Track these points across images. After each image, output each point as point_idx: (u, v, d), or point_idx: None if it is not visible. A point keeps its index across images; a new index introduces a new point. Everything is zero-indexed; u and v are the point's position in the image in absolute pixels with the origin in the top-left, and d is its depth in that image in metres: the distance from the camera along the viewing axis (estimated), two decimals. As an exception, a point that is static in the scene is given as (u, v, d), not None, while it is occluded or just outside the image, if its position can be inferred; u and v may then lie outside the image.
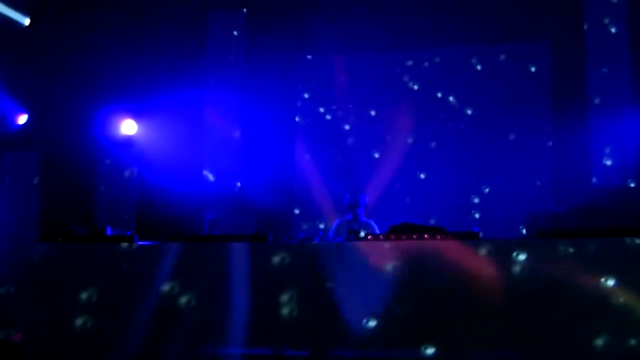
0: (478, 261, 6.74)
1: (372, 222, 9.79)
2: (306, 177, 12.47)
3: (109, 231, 7.79)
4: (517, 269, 6.65)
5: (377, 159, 12.29)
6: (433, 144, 12.21)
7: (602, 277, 6.49)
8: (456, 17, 11.66)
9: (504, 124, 11.94)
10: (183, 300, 7.19)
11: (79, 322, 7.39)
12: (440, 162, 12.08)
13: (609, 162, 10.95)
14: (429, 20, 11.75)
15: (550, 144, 11.69)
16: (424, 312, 6.80)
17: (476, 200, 11.87)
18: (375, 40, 12.21)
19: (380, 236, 7.11)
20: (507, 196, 11.65)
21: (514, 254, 6.66)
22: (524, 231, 10.04)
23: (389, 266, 6.86)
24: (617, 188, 10.68)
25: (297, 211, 12.42)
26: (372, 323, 6.79)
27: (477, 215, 11.71)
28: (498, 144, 11.94)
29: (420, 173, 12.13)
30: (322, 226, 11.66)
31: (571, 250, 6.62)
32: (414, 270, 6.86)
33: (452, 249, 6.83)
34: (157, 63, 11.61)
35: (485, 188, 11.87)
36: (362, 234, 7.65)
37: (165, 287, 7.26)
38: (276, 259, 7.09)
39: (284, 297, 7.01)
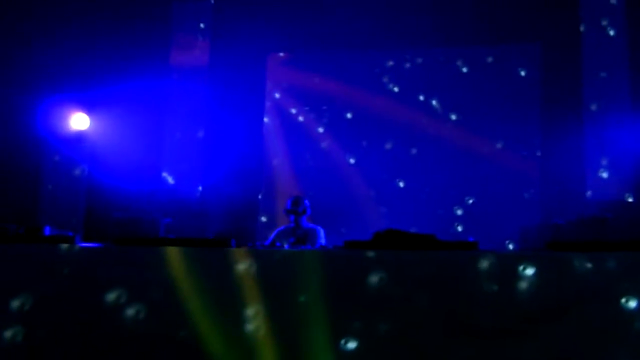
0: (477, 275, 5.75)
1: (319, 228, 9.01)
2: (274, 183, 11.75)
3: (47, 231, 6.74)
4: (523, 285, 5.68)
5: (353, 164, 11.51)
6: (413, 151, 11.49)
7: (622, 297, 5.53)
8: (441, 15, 11.00)
9: (491, 131, 11.24)
10: (130, 311, 6.15)
11: (7, 334, 6.33)
12: (420, 170, 11.38)
13: (605, 175, 10.19)
14: (412, 18, 11.06)
15: (539, 153, 11.00)
16: (412, 333, 5.79)
17: (459, 212, 11.17)
18: (354, 37, 11.47)
19: (364, 244, 6.09)
20: (492, 208, 10.92)
21: (520, 267, 5.69)
22: (510, 246, 9.67)
23: (373, 278, 5.84)
24: (615, 203, 9.87)
25: (263, 219, 11.60)
26: (352, 344, 5.78)
27: (459, 228, 10.99)
28: (483, 152, 11.22)
29: (399, 181, 11.43)
30: None
31: (588, 265, 5.68)
32: (402, 284, 5.87)
33: (446, 261, 5.85)
34: (114, 51, 10.78)
35: (468, 199, 11.17)
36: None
37: (111, 296, 6.20)
38: (240, 267, 6.08)
39: (249, 312, 6.00)
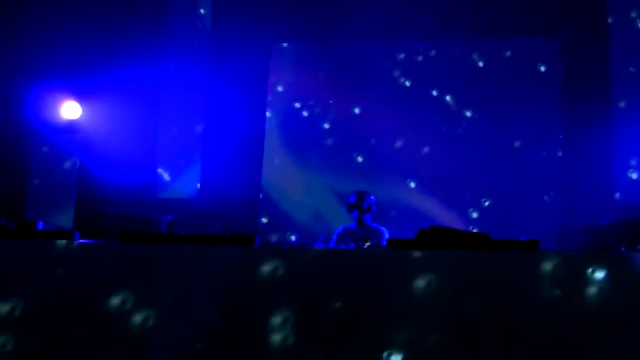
0: (539, 279, 5.02)
1: (383, 229, 8.14)
2: (277, 181, 11.07)
3: (40, 225, 5.97)
4: (593, 291, 4.95)
5: (361, 163, 10.91)
6: (426, 149, 10.88)
7: None
8: (456, 6, 10.48)
9: (508, 130, 10.68)
10: (138, 318, 5.36)
11: (-5, 343, 5.50)
12: (433, 170, 10.76)
13: (635, 176, 9.63)
14: (425, 9, 10.44)
15: (560, 153, 10.44)
16: (464, 346, 5.04)
17: (474, 215, 10.58)
18: (362, 28, 10.77)
19: (409, 243, 5.34)
20: (509, 211, 10.35)
21: (589, 270, 4.96)
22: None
23: (419, 283, 5.10)
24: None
25: (264, 220, 10.95)
26: (396, 358, 5.02)
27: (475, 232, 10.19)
28: (501, 151, 10.67)
29: (410, 181, 10.79)
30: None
31: (661, 269, 4.96)
32: (453, 289, 5.13)
33: (503, 263, 5.12)
34: (108, 37, 10.04)
35: (485, 201, 10.58)
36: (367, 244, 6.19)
37: (115, 301, 5.40)
38: (266, 269, 5.31)
39: (276, 320, 5.21)
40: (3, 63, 9.77)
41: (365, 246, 6.18)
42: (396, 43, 11.06)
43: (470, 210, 10.50)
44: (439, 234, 5.38)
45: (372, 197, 8.39)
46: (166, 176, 10.35)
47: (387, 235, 8.11)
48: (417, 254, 5.22)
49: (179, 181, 10.48)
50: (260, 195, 10.93)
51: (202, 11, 10.85)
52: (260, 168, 11.00)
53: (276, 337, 5.18)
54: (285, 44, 11.40)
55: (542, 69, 10.67)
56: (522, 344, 5.01)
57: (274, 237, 10.37)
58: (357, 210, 8.27)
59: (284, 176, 11.03)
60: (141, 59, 10.11)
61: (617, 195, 9.70)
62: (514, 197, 10.35)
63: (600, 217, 8.79)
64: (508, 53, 10.84)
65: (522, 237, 5.38)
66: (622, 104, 9.84)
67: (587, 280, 4.99)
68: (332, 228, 9.13)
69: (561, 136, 10.39)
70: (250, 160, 10.85)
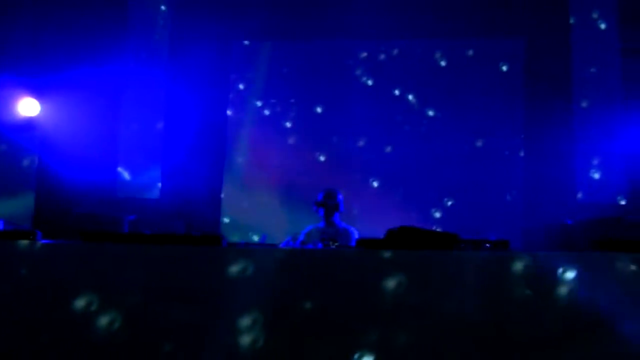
0: (509, 279, 4.99)
1: (352, 229, 8.06)
2: (238, 181, 10.93)
3: (1, 225, 5.81)
4: (563, 290, 4.93)
5: (323, 162, 10.80)
6: (388, 149, 10.76)
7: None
8: (419, 5, 10.35)
9: (471, 129, 10.57)
10: (104, 320, 5.24)
11: (-45, 347, 5.34)
12: (395, 169, 10.65)
13: (597, 176, 9.60)
14: (388, 7, 10.33)
15: (522, 153, 10.41)
16: (435, 346, 4.99)
17: (437, 215, 10.48)
18: (324, 26, 10.77)
19: (378, 244, 5.28)
20: (472, 211, 10.27)
21: (560, 270, 4.94)
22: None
23: (390, 283, 5.04)
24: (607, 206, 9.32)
25: (226, 220, 10.78)
26: (368, 359, 4.95)
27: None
28: (463, 150, 10.54)
29: (373, 181, 10.69)
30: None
31: (632, 267, 4.95)
32: (423, 289, 5.07)
33: (473, 263, 5.08)
34: (67, 31, 9.84)
35: (447, 201, 10.48)
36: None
37: (80, 302, 5.27)
38: (234, 269, 5.21)
39: (245, 322, 5.12)
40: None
41: (333, 246, 6.11)
42: (359, 41, 10.93)
43: (433, 210, 10.44)
44: (408, 234, 5.32)
45: (340, 196, 8.31)
46: (126, 175, 10.17)
47: (356, 236, 8.02)
48: (386, 254, 5.16)
49: (140, 180, 10.27)
50: (222, 195, 10.78)
51: (162, 8, 10.64)
52: (222, 167, 10.87)
53: (246, 339, 5.09)
54: (246, 42, 11.22)
55: (504, 68, 10.62)
56: (495, 344, 4.97)
57: (235, 238, 10.26)
58: (323, 208, 8.17)
59: (245, 175, 10.89)
60: (101, 55, 9.93)
61: (580, 194, 9.67)
62: (477, 197, 10.28)
63: (562, 217, 8.85)
64: (470, 52, 10.75)
65: (492, 237, 5.32)
66: (583, 104, 9.82)
67: (558, 280, 4.96)
68: (293, 228, 9.05)
69: (523, 135, 10.35)
70: (211, 159, 10.72)
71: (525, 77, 10.45)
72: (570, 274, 4.95)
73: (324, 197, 8.22)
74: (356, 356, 4.97)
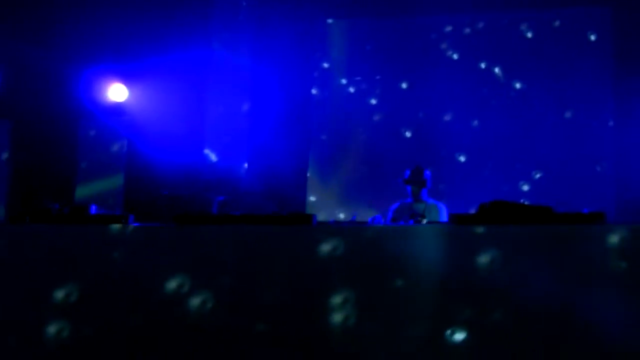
0: (606, 253, 4.85)
1: (440, 204, 7.97)
2: (323, 160, 11.04)
3: (93, 209, 5.90)
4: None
5: (409, 138, 10.79)
6: (475, 123, 10.77)
7: None
8: None
9: (558, 101, 10.53)
10: (195, 301, 5.29)
11: (52, 329, 5.48)
12: (483, 143, 10.68)
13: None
14: (473, -21, 10.24)
15: (611, 123, 10.20)
16: (530, 323, 4.88)
17: (525, 188, 10.48)
18: (408, 1, 10.66)
19: (471, 219, 5.21)
20: (561, 183, 10.25)
21: (662, 244, 4.81)
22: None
23: (483, 259, 4.96)
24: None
25: (312, 198, 10.89)
26: (460, 336, 4.90)
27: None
28: (551, 123, 10.51)
29: (459, 155, 10.72)
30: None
31: None
32: (517, 265, 4.96)
33: (568, 237, 4.96)
34: (153, 18, 9.95)
35: (535, 174, 10.49)
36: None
37: (172, 284, 5.35)
38: (325, 248, 5.20)
39: (336, 300, 5.11)
40: (51, 48, 9.74)
41: (424, 222, 6.05)
42: (443, 16, 10.91)
43: (521, 182, 10.38)
44: (501, 209, 5.23)
45: (427, 172, 8.24)
46: (213, 156, 10.27)
47: (445, 211, 7.94)
48: (480, 229, 5.08)
49: (226, 161, 10.37)
50: (308, 174, 10.83)
51: (246, -10, 10.75)
52: (307, 146, 10.94)
53: (337, 317, 5.08)
54: (330, 20, 11.30)
55: (592, 37, 10.51)
56: (590, 321, 4.86)
57: (321, 216, 10.30)
58: (412, 185, 8.10)
59: (331, 153, 10.96)
60: (186, 39, 10.02)
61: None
62: (566, 169, 10.24)
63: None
64: (557, 23, 10.66)
65: (585, 210, 5.18)
66: (677, 73, 9.59)
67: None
68: (380, 205, 9.01)
69: (612, 105, 10.17)
70: (297, 138, 10.76)
71: (614, 46, 10.26)
72: (668, 246, 4.81)
73: (412, 174, 8.14)
74: (448, 332, 4.92)
